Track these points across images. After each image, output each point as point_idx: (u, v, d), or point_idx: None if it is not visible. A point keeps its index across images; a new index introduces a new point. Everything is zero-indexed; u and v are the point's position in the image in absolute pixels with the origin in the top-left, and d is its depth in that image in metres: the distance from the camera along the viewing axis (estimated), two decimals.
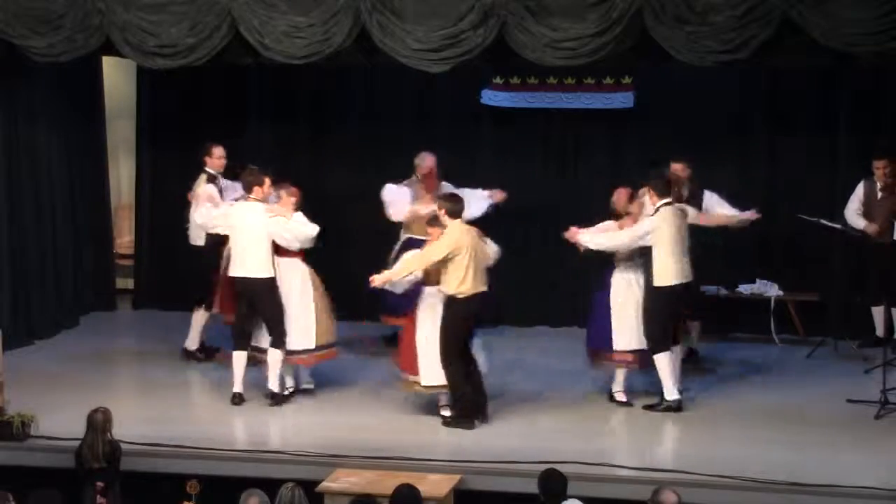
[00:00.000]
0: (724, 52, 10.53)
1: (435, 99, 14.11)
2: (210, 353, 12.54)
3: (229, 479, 9.30)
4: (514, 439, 10.35)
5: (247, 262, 11.20)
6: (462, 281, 10.50)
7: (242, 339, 11.33)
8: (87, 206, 14.39)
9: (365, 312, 12.98)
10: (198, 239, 12.34)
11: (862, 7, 10.20)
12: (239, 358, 11.30)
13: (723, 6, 10.43)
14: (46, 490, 7.98)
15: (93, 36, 11.54)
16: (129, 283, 15.12)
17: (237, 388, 11.29)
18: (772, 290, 13.35)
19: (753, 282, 13.43)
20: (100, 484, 9.11)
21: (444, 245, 10.53)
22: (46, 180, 13.52)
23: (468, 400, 10.56)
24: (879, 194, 12.55)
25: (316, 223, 11.22)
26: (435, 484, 9.22)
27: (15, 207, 13.02)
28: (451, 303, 10.53)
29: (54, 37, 11.58)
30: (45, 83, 13.35)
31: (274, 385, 11.25)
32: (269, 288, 11.18)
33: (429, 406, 11.04)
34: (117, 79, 14.91)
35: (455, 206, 10.67)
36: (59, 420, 10.31)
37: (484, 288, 10.62)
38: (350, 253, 13.32)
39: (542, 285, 13.83)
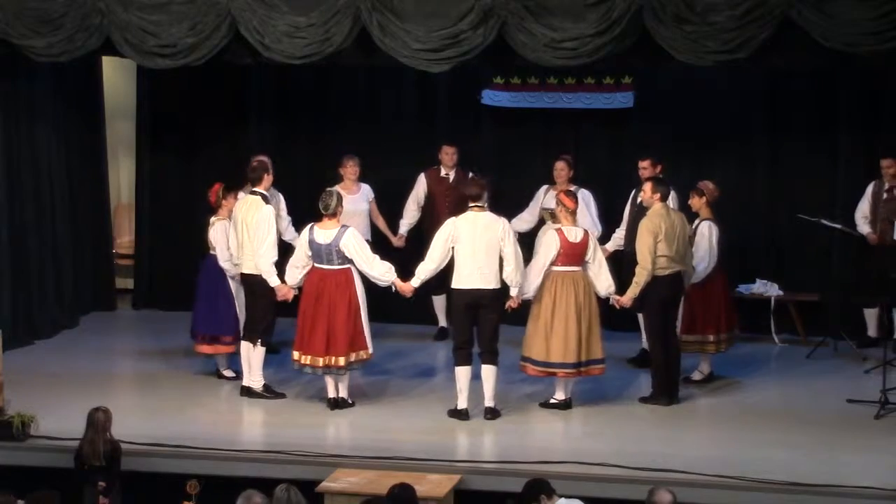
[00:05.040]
0: (724, 52, 10.54)
1: (435, 99, 14.12)
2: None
3: (229, 479, 9.30)
4: (514, 439, 10.36)
5: (243, 257, 11.35)
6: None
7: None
8: (87, 206, 14.38)
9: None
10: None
11: (862, 7, 10.21)
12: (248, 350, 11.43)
13: (723, 6, 10.43)
14: (45, 491, 7.96)
15: (93, 36, 11.53)
16: (129, 283, 15.12)
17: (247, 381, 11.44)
18: (772, 290, 13.34)
19: (753, 282, 13.43)
20: (102, 484, 9.10)
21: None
22: (46, 180, 13.51)
23: None
24: (885, 195, 12.54)
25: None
26: (435, 484, 9.21)
27: (15, 207, 13.02)
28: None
29: (54, 37, 11.58)
30: (45, 83, 13.35)
31: (246, 379, 11.35)
32: (254, 284, 11.25)
33: (428, 406, 11.06)
34: (117, 79, 14.91)
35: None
36: (59, 420, 10.30)
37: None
38: None
39: None
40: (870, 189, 12.68)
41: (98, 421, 9.25)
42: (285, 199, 12.46)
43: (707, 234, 11.54)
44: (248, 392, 11.37)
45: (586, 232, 11.00)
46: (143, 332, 13.92)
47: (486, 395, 10.78)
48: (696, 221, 11.57)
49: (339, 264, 10.84)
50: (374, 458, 9.75)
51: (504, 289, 10.79)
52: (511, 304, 10.88)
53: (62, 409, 10.62)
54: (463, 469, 9.63)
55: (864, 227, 12.64)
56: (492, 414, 10.76)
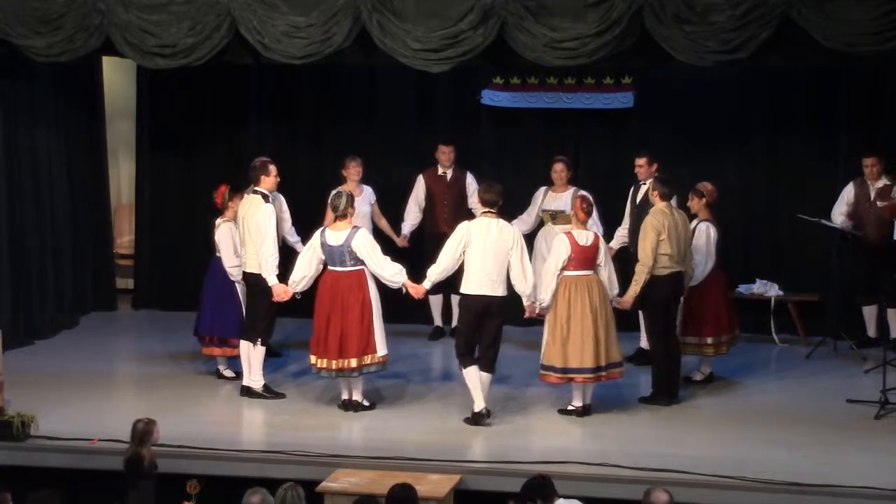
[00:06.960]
0: (724, 52, 10.54)
1: (435, 99, 14.12)
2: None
3: (229, 479, 9.30)
4: (514, 439, 10.36)
5: (246, 256, 11.33)
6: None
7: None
8: (87, 206, 14.39)
9: None
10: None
11: (862, 7, 10.22)
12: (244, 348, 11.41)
13: (723, 6, 10.44)
14: (45, 490, 7.95)
15: (93, 36, 11.54)
16: (129, 283, 15.13)
17: (245, 381, 11.42)
18: (772, 291, 13.34)
19: (753, 282, 13.43)
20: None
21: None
22: (46, 180, 13.52)
23: None
24: (872, 195, 12.52)
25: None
26: (435, 484, 9.21)
27: (15, 207, 13.02)
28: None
29: (54, 37, 11.59)
30: (45, 83, 13.35)
31: (246, 379, 11.35)
32: (256, 283, 11.23)
33: (428, 406, 11.05)
34: (117, 79, 14.92)
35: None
36: (59, 420, 10.31)
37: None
38: None
39: None
40: (851, 188, 12.65)
41: (135, 431, 9.02)
42: (285, 199, 12.44)
43: (705, 235, 11.54)
44: (248, 392, 11.38)
45: (597, 235, 10.96)
46: (143, 332, 13.93)
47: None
48: (695, 222, 11.56)
49: (352, 266, 10.80)
50: (374, 458, 9.76)
51: (512, 296, 10.76)
52: (527, 314, 10.86)
53: (62, 409, 10.63)
54: (463, 469, 9.62)
55: (846, 224, 12.63)
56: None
